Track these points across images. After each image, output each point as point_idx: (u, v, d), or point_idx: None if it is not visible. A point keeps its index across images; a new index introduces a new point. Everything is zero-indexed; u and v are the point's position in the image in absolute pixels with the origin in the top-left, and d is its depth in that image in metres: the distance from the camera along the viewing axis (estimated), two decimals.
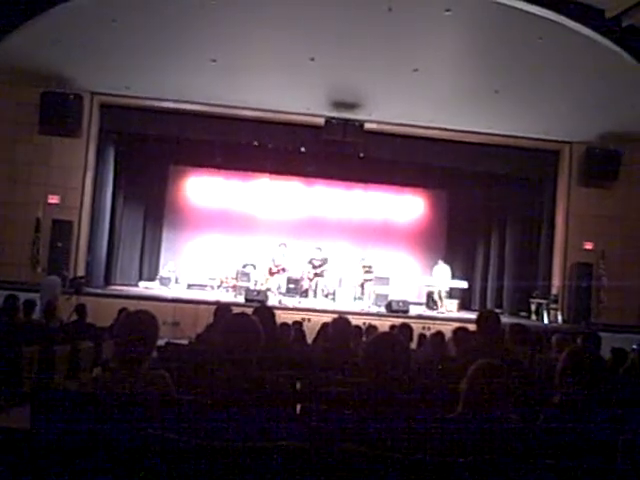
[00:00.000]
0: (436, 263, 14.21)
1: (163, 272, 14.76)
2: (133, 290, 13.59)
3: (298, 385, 3.87)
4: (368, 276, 13.44)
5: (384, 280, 13.87)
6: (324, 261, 13.50)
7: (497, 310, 12.43)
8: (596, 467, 2.25)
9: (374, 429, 2.54)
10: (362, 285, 13.57)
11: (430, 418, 2.64)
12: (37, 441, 2.42)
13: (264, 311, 4.76)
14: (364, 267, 13.49)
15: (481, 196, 15.41)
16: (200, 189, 15.86)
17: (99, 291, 12.45)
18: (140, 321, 2.83)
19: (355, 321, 5.90)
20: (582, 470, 2.16)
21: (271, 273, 13.53)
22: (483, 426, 2.49)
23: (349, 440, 2.42)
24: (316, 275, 13.51)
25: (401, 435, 2.51)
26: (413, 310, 12.96)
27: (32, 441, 2.41)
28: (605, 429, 2.59)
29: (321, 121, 13.09)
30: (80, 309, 8.06)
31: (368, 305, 13.18)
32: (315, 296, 13.49)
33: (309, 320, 10.65)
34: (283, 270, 13.51)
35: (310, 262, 13.47)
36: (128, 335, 2.78)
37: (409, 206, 16.47)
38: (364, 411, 2.61)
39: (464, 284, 14.22)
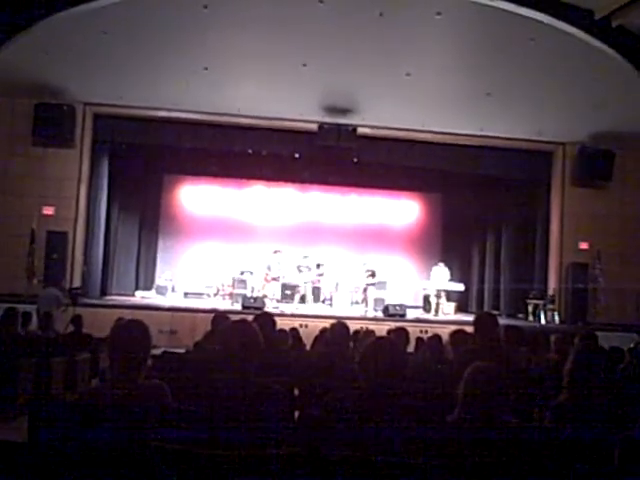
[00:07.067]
0: (435, 264, 14.21)
1: (159, 281, 14.73)
2: (130, 300, 13.55)
3: (296, 391, 3.87)
4: (371, 280, 13.43)
5: (381, 284, 13.86)
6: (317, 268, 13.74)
7: (494, 312, 12.44)
8: (595, 467, 2.25)
9: (372, 435, 2.53)
10: (365, 290, 13.54)
11: (428, 422, 2.64)
12: (35, 453, 2.41)
13: (265, 318, 4.77)
14: (367, 271, 13.47)
15: (476, 198, 15.43)
16: (195, 197, 15.85)
17: (95, 301, 12.39)
18: (131, 331, 2.82)
19: (353, 326, 5.90)
20: (581, 470, 2.17)
21: (267, 280, 13.55)
22: (481, 429, 2.49)
23: (347, 446, 2.41)
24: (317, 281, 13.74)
25: (399, 440, 2.51)
26: (410, 314, 12.96)
27: (29, 454, 2.40)
28: (603, 428, 2.59)
29: (314, 127, 13.08)
30: (76, 320, 8.03)
31: (373, 309, 13.17)
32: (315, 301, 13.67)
33: (306, 326, 10.63)
34: (276, 279, 13.52)
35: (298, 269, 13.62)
36: (120, 346, 2.77)
37: (404, 210, 16.50)
38: (362, 417, 2.61)
39: (461, 287, 14.22)
